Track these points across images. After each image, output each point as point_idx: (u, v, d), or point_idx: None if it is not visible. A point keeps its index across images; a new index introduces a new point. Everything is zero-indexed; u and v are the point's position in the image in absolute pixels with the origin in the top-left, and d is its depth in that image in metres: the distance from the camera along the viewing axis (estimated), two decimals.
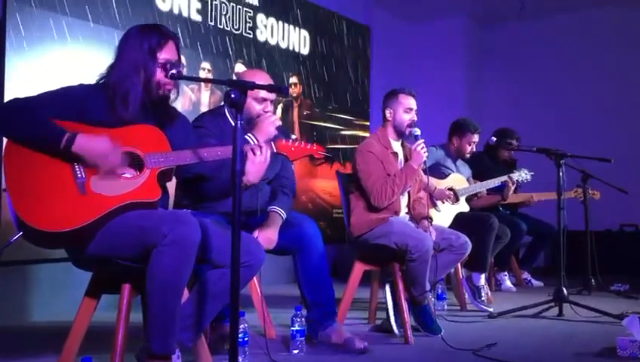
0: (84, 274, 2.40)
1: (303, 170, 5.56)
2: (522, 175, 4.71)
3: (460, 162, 4.67)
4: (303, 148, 2.56)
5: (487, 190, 4.64)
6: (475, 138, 4.60)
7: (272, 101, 3.02)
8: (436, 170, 4.40)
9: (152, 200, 2.24)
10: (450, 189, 4.33)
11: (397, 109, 3.56)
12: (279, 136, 2.68)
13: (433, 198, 4.14)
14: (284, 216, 3.07)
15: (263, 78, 3.00)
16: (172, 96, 2.41)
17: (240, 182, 2.02)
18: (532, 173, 4.72)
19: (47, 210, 2.09)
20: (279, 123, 2.87)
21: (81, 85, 2.34)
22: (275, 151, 2.53)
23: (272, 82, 3.07)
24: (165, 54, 2.32)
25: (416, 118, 3.56)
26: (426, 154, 3.46)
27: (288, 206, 3.14)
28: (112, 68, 2.35)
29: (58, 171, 2.15)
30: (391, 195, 3.40)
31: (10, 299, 3.69)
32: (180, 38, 2.45)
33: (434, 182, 4.17)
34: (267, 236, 2.95)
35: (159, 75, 2.32)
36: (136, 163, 2.26)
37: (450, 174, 4.49)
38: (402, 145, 3.65)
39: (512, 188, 4.68)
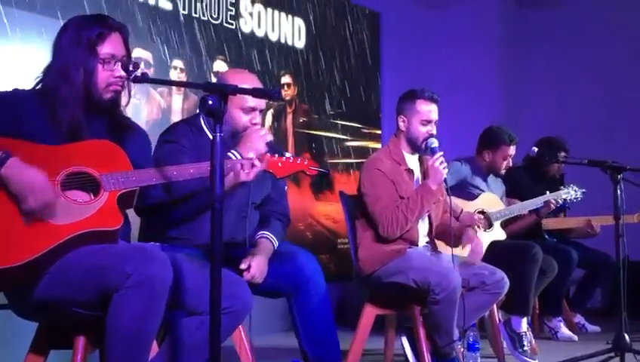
0: (29, 324, 2.40)
1: (300, 192, 5.58)
2: (571, 192, 4.70)
3: (491, 178, 4.70)
4: (292, 163, 2.61)
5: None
6: (512, 151, 4.62)
7: (261, 111, 3.05)
8: (463, 190, 4.41)
9: (113, 228, 2.25)
10: (481, 213, 4.34)
11: (412, 119, 3.59)
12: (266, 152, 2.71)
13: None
14: (276, 244, 3.09)
15: (250, 80, 3.03)
16: (123, 100, 2.44)
17: (221, 208, 2.04)
18: (584, 191, 4.71)
19: None
20: (270, 138, 2.90)
21: (15, 90, 2.40)
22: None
23: (260, 86, 3.10)
24: (108, 48, 2.36)
25: (435, 132, 3.58)
26: (446, 170, 3.47)
27: (281, 234, 3.16)
28: (48, 68, 2.40)
29: None
30: (404, 224, 3.41)
31: None
32: (128, 30, 2.48)
33: (460, 204, 4.18)
34: (258, 266, 2.95)
35: (102, 72, 2.36)
36: (89, 185, 2.28)
37: (480, 194, 4.50)
38: (420, 159, 3.67)
39: (552, 207, 4.68)
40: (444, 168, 3.45)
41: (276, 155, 2.62)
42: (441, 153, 3.48)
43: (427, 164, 3.53)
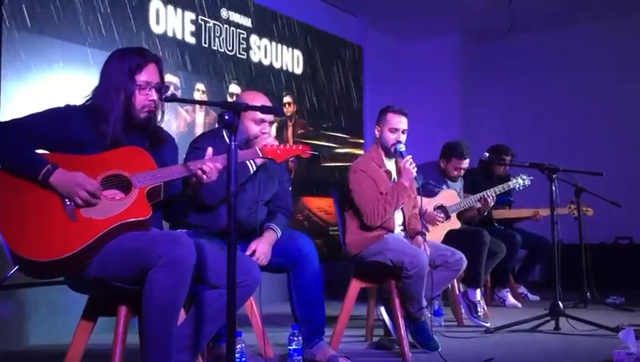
0: (81, 296, 2.39)
1: (301, 189, 5.56)
2: (520, 181, 4.60)
3: None
4: (289, 149, 2.55)
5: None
6: (463, 164, 4.50)
7: (270, 123, 3.04)
8: (426, 188, 4.36)
9: (143, 218, 2.23)
10: (440, 207, 4.32)
11: (384, 128, 3.56)
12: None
13: (423, 221, 4.12)
14: (279, 233, 3.06)
15: (260, 99, 3.02)
16: (158, 118, 2.41)
17: (236, 203, 2.03)
18: (531, 178, 4.61)
19: (39, 241, 2.07)
20: (276, 143, 2.88)
21: (67, 106, 2.36)
22: (261, 156, 2.54)
23: (269, 104, 3.06)
24: (145, 76, 2.34)
25: (401, 139, 3.52)
26: (415, 169, 3.44)
27: (284, 225, 3.14)
28: (96, 90, 2.37)
29: (46, 201, 2.14)
30: (383, 214, 3.40)
31: (8, 323, 3.67)
32: (162, 60, 2.45)
33: (424, 200, 4.12)
34: (262, 250, 2.93)
35: (139, 96, 2.34)
36: (123, 185, 2.26)
37: (440, 191, 4.47)
38: (395, 163, 3.64)
39: (490, 204, 4.52)
40: (413, 168, 3.43)
41: (275, 144, 2.56)
42: (410, 156, 3.45)
43: (399, 166, 3.51)
